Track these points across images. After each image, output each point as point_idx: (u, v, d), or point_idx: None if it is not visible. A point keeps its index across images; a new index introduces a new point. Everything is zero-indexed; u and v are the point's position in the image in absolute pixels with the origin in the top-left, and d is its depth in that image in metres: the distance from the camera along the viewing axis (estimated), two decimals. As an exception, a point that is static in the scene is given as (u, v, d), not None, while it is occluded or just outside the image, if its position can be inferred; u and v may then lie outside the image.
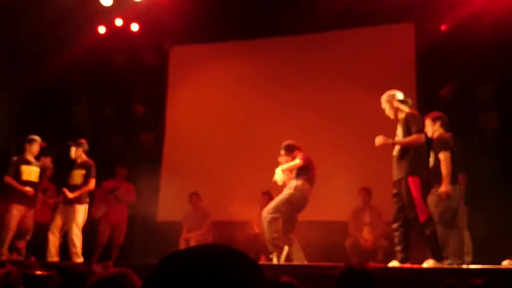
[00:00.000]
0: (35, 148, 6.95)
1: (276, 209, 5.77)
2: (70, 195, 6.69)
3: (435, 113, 5.62)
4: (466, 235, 6.00)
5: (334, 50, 8.72)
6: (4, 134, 9.31)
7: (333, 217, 6.79)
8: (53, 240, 6.70)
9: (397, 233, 5.29)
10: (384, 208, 7.42)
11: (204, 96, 9.27)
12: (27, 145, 6.95)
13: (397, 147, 5.38)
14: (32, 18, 8.57)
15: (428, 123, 5.52)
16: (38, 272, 3.55)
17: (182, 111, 9.42)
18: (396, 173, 5.35)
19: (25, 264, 6.28)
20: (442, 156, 5.26)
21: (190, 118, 9.26)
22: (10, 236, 6.70)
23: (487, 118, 7.88)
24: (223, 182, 8.42)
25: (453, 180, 5.25)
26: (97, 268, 3.83)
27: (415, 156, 5.24)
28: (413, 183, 5.14)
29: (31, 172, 6.90)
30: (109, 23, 9.11)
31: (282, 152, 6.10)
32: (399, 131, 5.45)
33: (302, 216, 7.86)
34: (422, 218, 5.08)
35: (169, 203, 8.85)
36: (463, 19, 7.84)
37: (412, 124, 5.29)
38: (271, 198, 7.76)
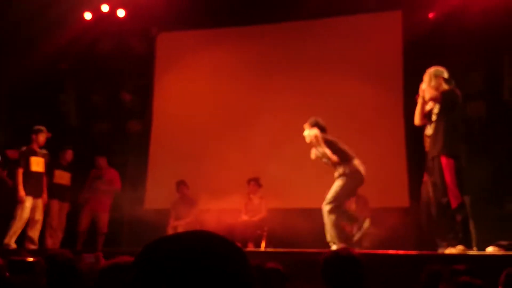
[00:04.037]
0: (41, 138, 7.12)
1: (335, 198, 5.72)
2: None
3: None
4: (471, 224, 6.02)
5: (321, 38, 8.72)
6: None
7: (320, 204, 6.81)
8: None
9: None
10: (371, 195, 7.49)
11: (191, 84, 9.23)
12: (34, 136, 7.11)
13: (433, 125, 5.19)
14: (17, 5, 8.45)
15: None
16: (27, 259, 3.54)
17: (169, 98, 9.38)
18: (430, 151, 5.16)
19: (12, 251, 6.28)
20: None
21: (177, 106, 9.23)
22: (20, 228, 6.88)
23: (474, 107, 7.95)
24: (211, 170, 8.42)
25: None
26: (88, 259, 3.82)
27: (452, 135, 5.06)
28: (447, 164, 4.97)
29: (38, 163, 7.11)
30: (95, 9, 9.02)
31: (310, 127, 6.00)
32: (436, 108, 5.24)
33: (289, 204, 7.92)
34: (454, 203, 4.92)
35: (157, 191, 8.84)
36: (451, 7, 7.87)
37: (446, 99, 5.11)
38: (258, 185, 7.80)
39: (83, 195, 8.09)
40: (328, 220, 5.74)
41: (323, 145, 5.85)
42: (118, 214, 8.42)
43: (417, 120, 5.41)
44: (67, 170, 7.85)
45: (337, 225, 5.70)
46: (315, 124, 5.96)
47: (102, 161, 8.29)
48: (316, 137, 5.87)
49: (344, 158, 5.79)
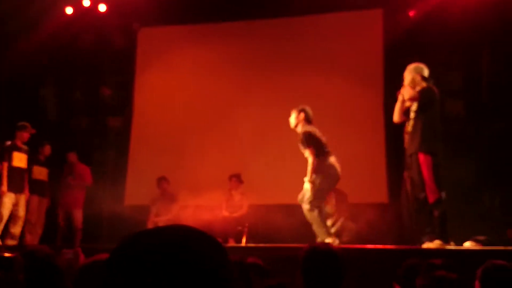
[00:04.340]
0: (25, 134, 7.14)
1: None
2: None
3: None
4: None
5: (303, 35, 8.77)
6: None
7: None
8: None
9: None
10: (351, 191, 7.56)
11: (172, 79, 9.20)
12: (18, 132, 7.13)
13: (410, 122, 5.27)
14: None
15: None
16: (4, 255, 3.51)
17: (150, 94, 9.34)
18: (408, 148, 5.24)
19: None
20: None
21: (158, 102, 9.19)
22: (1, 224, 6.82)
23: (453, 105, 8.06)
24: (192, 166, 8.41)
25: None
26: (67, 254, 3.79)
27: (429, 132, 5.13)
28: (425, 160, 5.04)
29: (21, 159, 7.12)
30: (77, 4, 8.93)
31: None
32: (414, 106, 5.30)
33: (270, 200, 7.95)
34: (431, 198, 4.99)
35: (137, 187, 8.81)
36: (431, 6, 7.97)
37: (423, 95, 5.17)
38: (239, 182, 7.81)
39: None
40: (311, 218, 5.78)
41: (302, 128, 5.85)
42: (97, 210, 8.37)
43: (396, 117, 5.48)
44: (45, 166, 7.79)
45: (321, 221, 5.74)
46: (302, 110, 5.99)
47: (72, 157, 8.23)
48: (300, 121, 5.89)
49: (321, 153, 5.82)
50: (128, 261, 0.78)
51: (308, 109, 6.03)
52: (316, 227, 5.74)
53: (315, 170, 5.72)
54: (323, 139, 5.94)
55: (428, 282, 2.41)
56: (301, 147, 5.93)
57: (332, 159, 5.85)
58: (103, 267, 1.92)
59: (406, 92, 5.26)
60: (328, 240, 5.52)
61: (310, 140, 5.81)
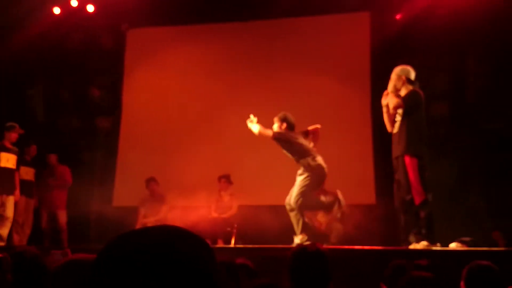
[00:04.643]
0: (13, 135, 7.11)
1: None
2: None
3: None
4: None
5: (291, 37, 8.81)
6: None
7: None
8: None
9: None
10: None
11: (161, 80, 9.19)
12: (6, 132, 7.11)
13: (396, 125, 5.31)
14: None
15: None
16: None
17: (139, 95, 9.32)
18: (394, 151, 5.29)
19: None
20: None
21: (147, 102, 9.18)
22: None
23: (439, 107, 8.15)
24: (181, 167, 8.40)
25: None
26: (55, 256, 3.79)
27: (415, 135, 5.18)
28: (411, 163, 5.09)
29: (9, 159, 7.08)
30: (64, 4, 8.89)
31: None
32: (400, 109, 5.33)
33: (259, 201, 7.97)
34: (417, 200, 5.04)
35: (125, 188, 8.78)
36: (417, 10, 8.05)
37: (408, 100, 5.21)
38: (229, 182, 7.83)
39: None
40: (292, 216, 5.82)
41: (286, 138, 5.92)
42: (86, 211, 8.34)
43: (389, 128, 5.48)
44: (31, 166, 7.75)
45: (299, 220, 5.77)
46: (284, 119, 6.03)
47: (52, 158, 8.20)
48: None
49: (307, 154, 5.85)
50: (115, 261, 0.78)
51: (290, 116, 6.09)
52: (295, 224, 5.81)
53: (306, 169, 5.76)
54: (306, 141, 5.97)
55: (404, 283, 2.45)
56: (287, 154, 5.99)
57: (319, 159, 5.89)
58: (79, 266, 1.92)
59: (390, 101, 5.30)
60: (300, 238, 5.57)
61: (280, 136, 5.91)
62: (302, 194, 5.78)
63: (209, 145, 8.42)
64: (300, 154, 5.88)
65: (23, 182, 7.52)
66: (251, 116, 6.08)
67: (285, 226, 6.60)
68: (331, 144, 8.01)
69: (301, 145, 5.95)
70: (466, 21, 7.84)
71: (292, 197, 5.85)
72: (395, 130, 5.32)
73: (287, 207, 5.91)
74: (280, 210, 6.67)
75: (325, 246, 4.35)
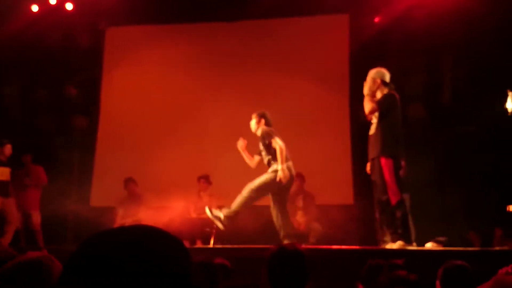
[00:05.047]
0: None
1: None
2: None
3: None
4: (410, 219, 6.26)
5: (270, 38, 8.84)
6: None
7: (268, 201, 6.90)
8: None
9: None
10: (317, 192, 7.67)
11: (139, 79, 9.15)
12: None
13: (372, 127, 5.36)
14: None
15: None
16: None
17: (117, 94, 9.26)
18: (370, 152, 5.34)
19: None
20: None
21: (125, 101, 9.12)
22: None
23: (415, 109, 8.26)
24: (160, 167, 8.37)
25: None
26: (32, 255, 3.73)
27: (390, 136, 5.23)
28: (386, 164, 5.15)
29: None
30: (43, 2, 8.79)
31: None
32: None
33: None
34: (393, 200, 5.10)
35: (103, 188, 8.72)
36: (396, 12, 8.15)
37: (382, 103, 5.28)
38: (208, 183, 7.83)
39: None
40: (239, 197, 5.84)
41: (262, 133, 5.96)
42: (62, 211, 8.24)
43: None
44: (7, 166, 7.63)
45: (242, 204, 5.81)
46: (262, 116, 6.08)
47: (26, 158, 8.11)
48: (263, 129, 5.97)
49: (275, 157, 5.89)
50: (89, 261, 0.77)
51: (268, 114, 6.14)
52: (236, 200, 5.84)
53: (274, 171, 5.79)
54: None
55: (387, 281, 2.49)
56: (263, 150, 6.00)
57: (290, 164, 5.93)
58: (25, 266, 1.89)
59: (365, 106, 5.36)
60: (223, 213, 5.74)
61: (271, 133, 5.88)
62: (258, 189, 5.80)
63: (188, 145, 8.41)
64: (275, 156, 5.87)
65: None
66: (241, 143, 6.11)
67: (264, 226, 6.63)
68: (310, 145, 8.08)
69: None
70: (443, 24, 7.97)
71: (249, 185, 5.85)
72: (371, 132, 5.38)
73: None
74: (258, 210, 6.70)
75: (303, 246, 4.39)
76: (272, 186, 5.83)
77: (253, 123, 6.12)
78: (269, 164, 5.94)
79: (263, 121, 6.06)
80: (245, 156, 6.18)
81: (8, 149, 7.67)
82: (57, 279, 0.76)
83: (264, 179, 5.84)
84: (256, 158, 6.16)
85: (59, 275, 1.91)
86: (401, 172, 6.23)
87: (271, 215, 6.04)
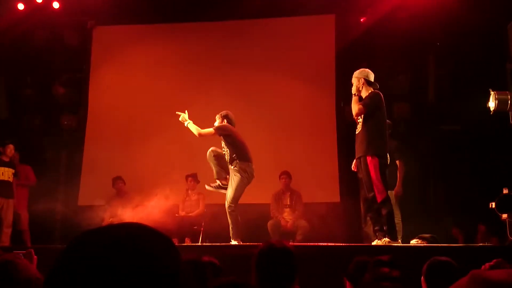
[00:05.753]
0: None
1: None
2: None
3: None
4: (398, 216, 6.37)
5: (258, 38, 8.90)
6: None
7: (255, 199, 6.98)
8: None
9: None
10: (304, 191, 7.75)
11: (127, 78, 9.15)
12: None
13: (359, 126, 5.43)
14: None
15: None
16: None
17: (105, 92, 9.25)
18: (357, 151, 5.42)
19: None
20: None
21: (113, 100, 9.12)
22: None
23: (400, 108, 8.37)
24: (147, 166, 8.39)
25: None
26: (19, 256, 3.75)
27: (376, 135, 5.32)
28: (372, 162, 5.24)
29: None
30: (29, 0, 8.75)
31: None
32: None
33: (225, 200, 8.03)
34: (379, 198, 5.18)
35: (91, 187, 8.70)
36: (381, 13, 8.26)
37: (368, 103, 5.33)
38: (196, 181, 7.86)
39: None
40: (229, 218, 5.94)
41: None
42: (50, 210, 8.23)
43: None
44: (10, 166, 7.58)
45: (235, 223, 5.90)
46: (225, 117, 6.15)
47: (14, 157, 8.07)
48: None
49: (241, 156, 5.96)
50: (77, 259, 0.77)
51: (231, 114, 6.23)
52: (231, 226, 5.92)
53: (240, 170, 5.88)
54: (245, 144, 6.07)
55: (371, 278, 2.56)
56: (225, 147, 6.05)
57: (251, 164, 6.01)
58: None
59: (353, 110, 5.44)
60: (234, 242, 5.76)
61: (225, 127, 6.02)
62: (235, 198, 5.90)
63: (176, 143, 8.43)
64: (239, 154, 5.95)
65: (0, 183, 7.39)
66: (184, 115, 6.14)
67: (252, 224, 6.70)
68: (297, 144, 8.16)
69: (243, 144, 6.04)
70: (427, 24, 8.09)
71: (226, 200, 5.94)
72: (358, 131, 5.47)
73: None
74: (247, 208, 6.76)
75: (291, 243, 4.46)
76: (243, 186, 5.93)
77: (216, 124, 6.18)
78: (231, 162, 5.99)
79: (225, 121, 6.14)
80: (192, 127, 6.14)
81: (10, 149, 7.62)
82: (24, 279, 0.77)
83: (234, 186, 5.91)
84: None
85: (26, 274, 1.90)
86: (399, 172, 6.37)
87: (259, 212, 6.11)
